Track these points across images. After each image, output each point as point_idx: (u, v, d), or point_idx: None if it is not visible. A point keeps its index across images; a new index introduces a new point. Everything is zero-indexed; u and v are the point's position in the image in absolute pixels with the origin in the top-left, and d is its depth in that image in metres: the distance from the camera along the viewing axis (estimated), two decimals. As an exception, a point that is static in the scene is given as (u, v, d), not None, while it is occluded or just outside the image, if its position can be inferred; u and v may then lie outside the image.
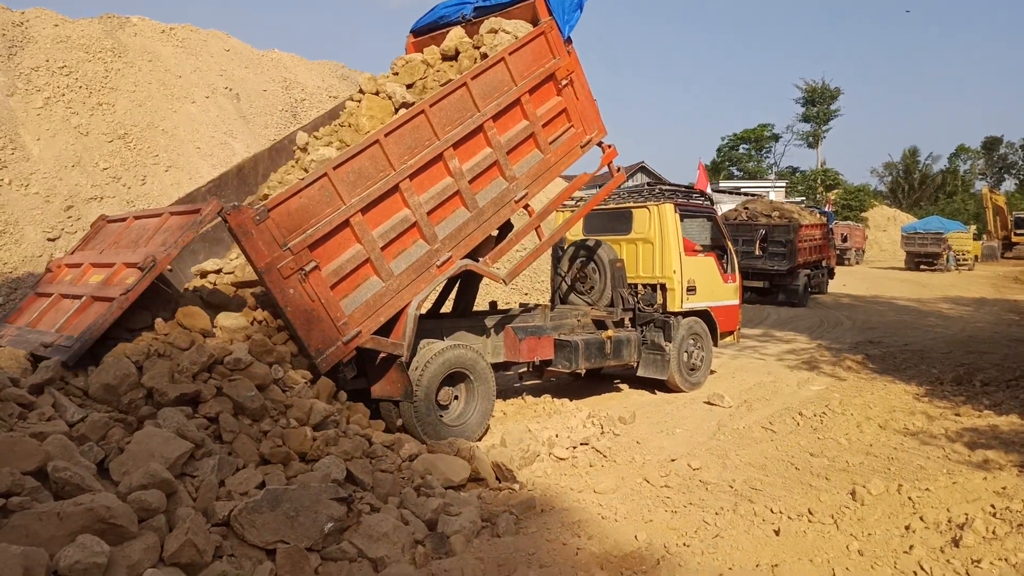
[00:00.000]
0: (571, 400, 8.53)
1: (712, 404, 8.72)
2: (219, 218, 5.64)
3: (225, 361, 5.19)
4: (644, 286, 9.73)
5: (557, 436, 7.11)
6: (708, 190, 18.25)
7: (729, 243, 10.78)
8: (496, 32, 7.82)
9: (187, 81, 17.86)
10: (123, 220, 6.75)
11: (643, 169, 46.91)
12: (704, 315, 10.03)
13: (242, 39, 22.23)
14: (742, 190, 50.37)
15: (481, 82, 7.11)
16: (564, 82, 7.87)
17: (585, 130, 8.20)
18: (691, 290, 9.70)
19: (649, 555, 4.60)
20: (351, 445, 5.23)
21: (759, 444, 7.09)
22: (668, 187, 10.85)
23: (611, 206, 10.26)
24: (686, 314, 9.73)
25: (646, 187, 10.99)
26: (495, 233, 7.76)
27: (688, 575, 4.37)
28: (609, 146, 8.59)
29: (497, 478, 5.84)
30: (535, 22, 7.82)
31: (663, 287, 9.60)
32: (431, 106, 6.74)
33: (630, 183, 41.67)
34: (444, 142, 6.84)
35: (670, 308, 9.57)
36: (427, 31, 8.78)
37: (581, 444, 6.88)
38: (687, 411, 8.58)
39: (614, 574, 4.39)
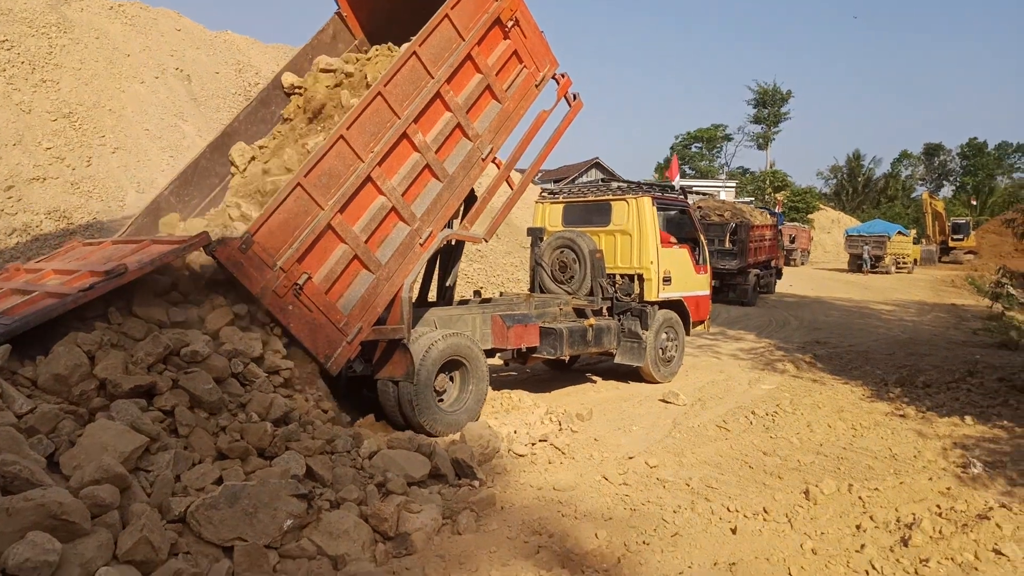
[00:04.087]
0: (529, 396, 8.53)
1: (667, 402, 8.83)
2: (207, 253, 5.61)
3: (182, 353, 5.04)
4: (622, 276, 10.02)
5: (516, 432, 7.10)
6: (676, 181, 18.57)
7: (701, 236, 11.15)
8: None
9: (136, 60, 17.32)
10: (98, 244, 6.57)
11: (597, 165, 47.23)
12: (678, 305, 10.40)
13: (194, 19, 21.62)
14: (694, 188, 51.02)
15: (429, 46, 6.91)
16: (510, 23, 7.65)
17: (538, 67, 8.08)
18: (667, 280, 10.03)
19: (610, 553, 4.63)
20: (312, 441, 5.14)
21: (714, 442, 7.20)
22: (646, 183, 11.22)
23: (590, 198, 10.58)
24: (662, 304, 10.05)
25: (600, 180, 11.34)
26: None
27: (649, 573, 4.42)
28: (563, 75, 8.45)
29: (457, 475, 5.81)
30: None
31: (640, 277, 9.91)
32: (385, 85, 6.57)
33: (584, 179, 41.99)
34: (405, 119, 6.75)
35: (647, 297, 9.89)
36: None
37: (540, 440, 6.88)
38: (643, 409, 8.67)
39: (575, 572, 4.41)
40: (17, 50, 14.34)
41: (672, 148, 77.26)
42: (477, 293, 9.62)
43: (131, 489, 4.04)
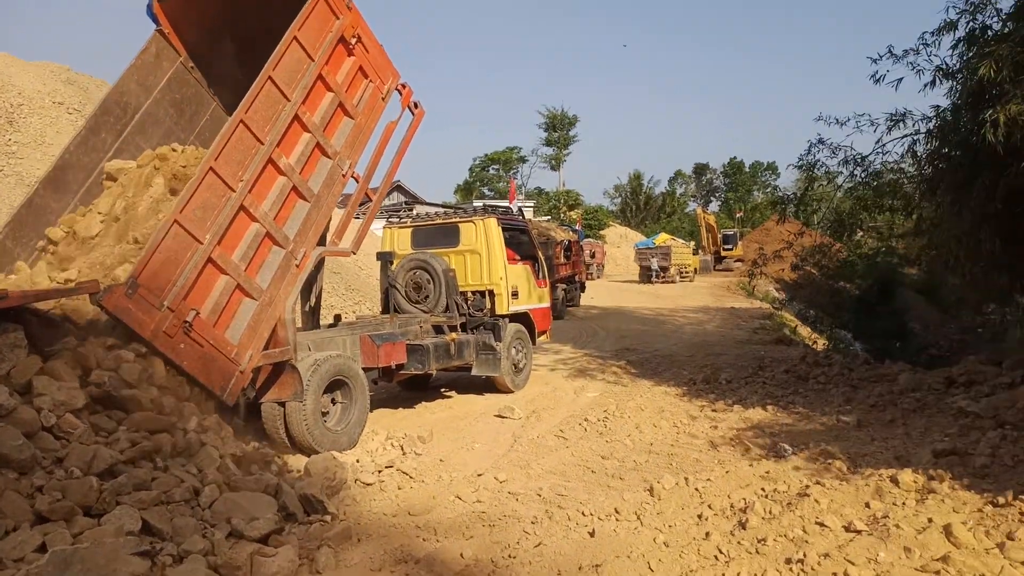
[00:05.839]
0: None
1: (503, 416, 8.96)
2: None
3: (-20, 407, 4.39)
4: (473, 293, 10.47)
5: (359, 461, 6.90)
6: (514, 205, 19.26)
7: (540, 252, 11.90)
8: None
9: None
10: None
11: (399, 188, 47.20)
12: (524, 317, 10.99)
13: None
14: (499, 209, 52.42)
15: (282, 69, 6.91)
16: (353, 40, 7.80)
17: (382, 80, 8.34)
18: (515, 295, 10.66)
19: (479, 571, 4.62)
20: (146, 492, 4.66)
21: (555, 452, 7.41)
22: (489, 205, 12.09)
23: (438, 222, 11.06)
24: (511, 318, 10.59)
25: (404, 203, 11.88)
26: None
27: (521, 586, 4.45)
28: (404, 86, 8.69)
29: (306, 511, 5.51)
30: None
31: (491, 293, 10.44)
32: (246, 112, 6.54)
33: (387, 201, 41.73)
34: (269, 145, 6.78)
35: (498, 311, 10.54)
36: None
37: (386, 467, 6.71)
38: (480, 425, 8.74)
39: (448, 596, 4.35)
40: None
41: (471, 170, 79.08)
42: (337, 318, 9.74)
43: (-66, 571, 3.45)
